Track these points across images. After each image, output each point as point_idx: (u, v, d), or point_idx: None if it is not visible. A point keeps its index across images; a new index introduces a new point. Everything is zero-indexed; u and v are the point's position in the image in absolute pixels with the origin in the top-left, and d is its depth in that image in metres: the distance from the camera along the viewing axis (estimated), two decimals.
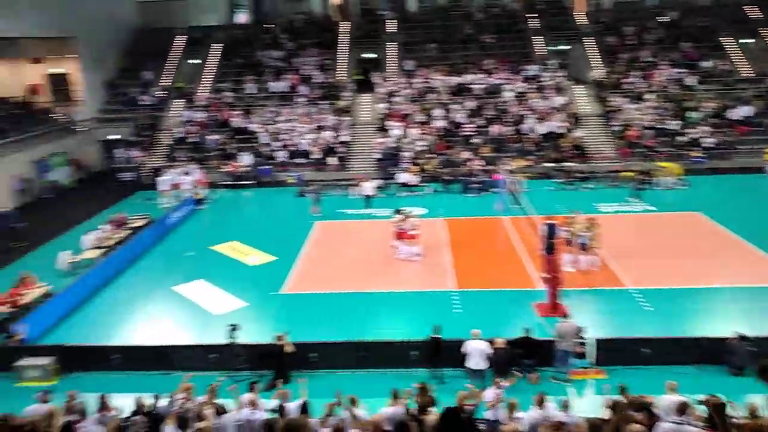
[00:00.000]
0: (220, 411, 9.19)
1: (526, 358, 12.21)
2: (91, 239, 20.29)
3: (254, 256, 20.04)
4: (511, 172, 24.88)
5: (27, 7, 28.49)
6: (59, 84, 35.12)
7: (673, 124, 30.48)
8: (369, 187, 25.31)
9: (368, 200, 25.09)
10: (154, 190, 27.73)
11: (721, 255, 18.40)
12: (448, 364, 12.37)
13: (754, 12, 37.02)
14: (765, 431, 7.58)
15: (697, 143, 29.41)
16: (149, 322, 15.93)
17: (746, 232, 19.90)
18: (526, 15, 38.39)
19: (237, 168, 29.64)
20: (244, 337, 13.12)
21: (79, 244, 20.14)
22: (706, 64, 34.02)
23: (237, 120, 32.88)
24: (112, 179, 30.58)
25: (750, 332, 12.32)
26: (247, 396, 9.41)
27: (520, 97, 32.85)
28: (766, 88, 32.24)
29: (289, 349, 12.51)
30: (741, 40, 35.07)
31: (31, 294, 16.38)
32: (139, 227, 22.21)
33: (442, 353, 12.37)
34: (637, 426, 7.54)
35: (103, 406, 9.30)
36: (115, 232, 21.39)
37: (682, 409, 7.99)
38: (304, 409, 9.21)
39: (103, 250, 19.89)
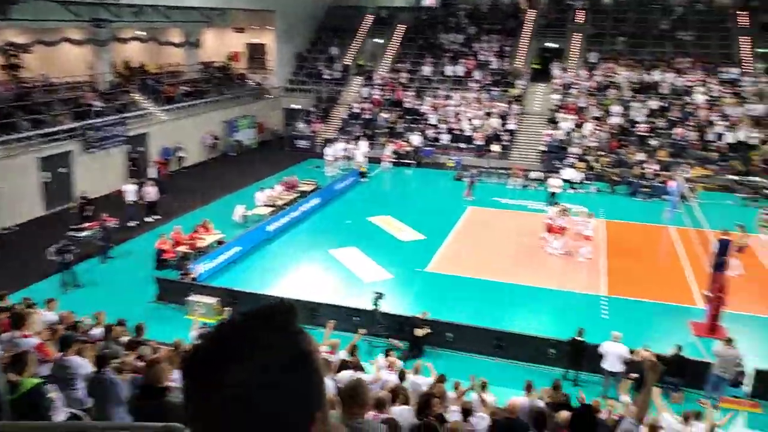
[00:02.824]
0: (358, 368, 9.79)
1: (672, 375, 11.45)
2: (264, 197, 22.17)
3: (405, 232, 20.64)
4: (688, 180, 22.98)
5: None
6: (255, 53, 38.32)
7: None
8: (555, 184, 23.88)
9: (553, 197, 23.28)
10: (324, 158, 29.47)
11: None
12: (588, 369, 12.06)
13: None
14: None
15: None
16: (304, 277, 17.19)
17: None
18: (737, 12, 34.63)
19: (402, 146, 30.48)
20: (386, 307, 13.72)
21: (253, 200, 22.12)
22: None
23: (409, 100, 33.72)
24: (289, 145, 32.97)
25: None
26: (382, 359, 9.96)
27: (712, 101, 30.02)
28: None
29: (420, 333, 12.81)
30: None
31: (208, 239, 18.37)
32: (307, 192, 23.85)
33: (583, 357, 12.04)
34: None
35: None
36: (286, 194, 23.16)
37: None
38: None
39: (272, 209, 21.68)
